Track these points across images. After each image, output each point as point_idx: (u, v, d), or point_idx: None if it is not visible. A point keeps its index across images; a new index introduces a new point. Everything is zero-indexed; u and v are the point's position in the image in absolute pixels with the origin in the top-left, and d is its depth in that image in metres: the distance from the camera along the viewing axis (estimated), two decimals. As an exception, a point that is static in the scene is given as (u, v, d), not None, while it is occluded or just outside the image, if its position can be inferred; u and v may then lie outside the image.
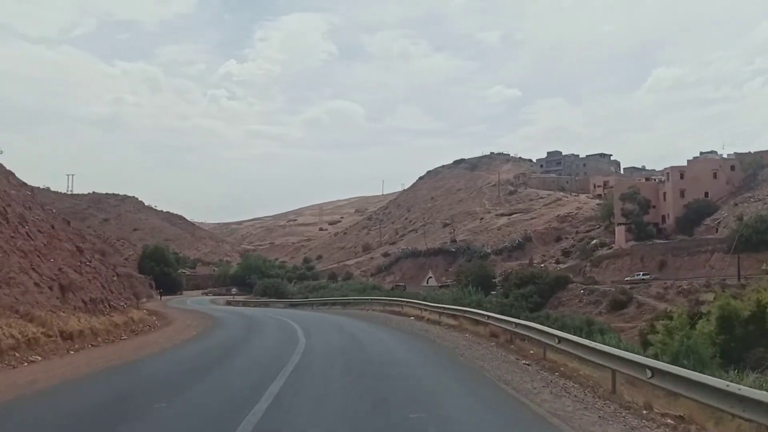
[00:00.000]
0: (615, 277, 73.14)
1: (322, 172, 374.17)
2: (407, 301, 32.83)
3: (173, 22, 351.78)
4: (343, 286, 66.85)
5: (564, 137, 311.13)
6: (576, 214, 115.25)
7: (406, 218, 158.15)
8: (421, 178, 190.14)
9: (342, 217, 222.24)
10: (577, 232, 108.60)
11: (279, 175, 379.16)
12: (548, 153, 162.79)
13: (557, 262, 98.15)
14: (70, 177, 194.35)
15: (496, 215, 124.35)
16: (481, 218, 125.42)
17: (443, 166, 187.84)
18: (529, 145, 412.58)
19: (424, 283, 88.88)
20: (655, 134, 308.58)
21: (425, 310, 28.19)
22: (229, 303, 55.82)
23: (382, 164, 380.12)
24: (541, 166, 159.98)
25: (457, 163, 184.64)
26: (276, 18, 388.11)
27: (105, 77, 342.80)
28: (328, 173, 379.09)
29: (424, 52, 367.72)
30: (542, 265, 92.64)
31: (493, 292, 71.32)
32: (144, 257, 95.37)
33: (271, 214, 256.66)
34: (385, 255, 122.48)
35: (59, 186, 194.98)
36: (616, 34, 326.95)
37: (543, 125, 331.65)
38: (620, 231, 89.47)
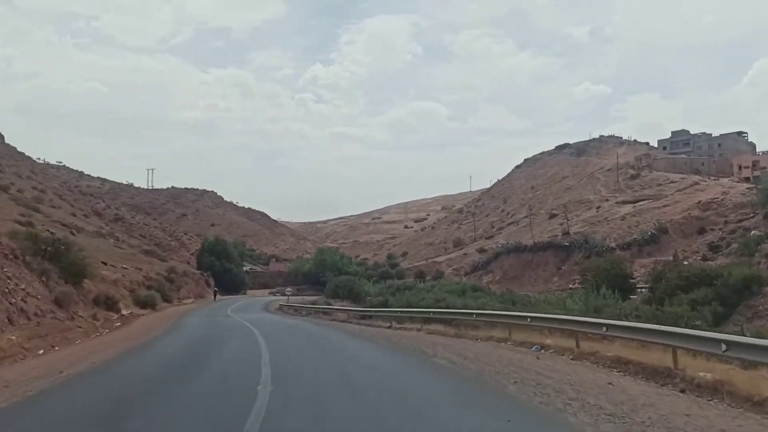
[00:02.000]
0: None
1: (407, 172, 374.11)
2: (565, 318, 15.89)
3: (263, 28, 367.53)
4: (434, 287, 50.02)
5: (657, 134, 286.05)
6: (722, 200, 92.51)
7: (503, 210, 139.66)
8: (518, 166, 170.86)
9: (428, 215, 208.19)
10: (726, 222, 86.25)
11: (364, 176, 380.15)
12: (673, 133, 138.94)
13: (704, 258, 76.77)
14: (150, 171, 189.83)
15: (617, 203, 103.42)
16: (598, 207, 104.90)
17: (543, 153, 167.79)
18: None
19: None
20: (756, 129, 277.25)
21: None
22: (280, 308, 40.75)
23: (467, 164, 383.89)
24: (664, 148, 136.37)
25: (559, 148, 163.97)
26: (360, 21, 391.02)
27: (200, 84, 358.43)
28: (412, 173, 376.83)
29: (508, 50, 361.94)
30: (685, 262, 72.23)
31: (633, 296, 54.38)
32: (203, 251, 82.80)
33: (356, 213, 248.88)
34: (481, 251, 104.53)
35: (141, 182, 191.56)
36: (715, 26, 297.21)
37: (634, 122, 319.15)
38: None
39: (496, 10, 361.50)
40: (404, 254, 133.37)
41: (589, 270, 67.20)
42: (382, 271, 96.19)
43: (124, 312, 31.76)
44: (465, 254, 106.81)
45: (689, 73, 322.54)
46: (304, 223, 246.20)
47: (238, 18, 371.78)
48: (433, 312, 21.63)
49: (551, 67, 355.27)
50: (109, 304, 30.48)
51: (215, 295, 63.62)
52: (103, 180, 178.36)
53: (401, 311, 23.46)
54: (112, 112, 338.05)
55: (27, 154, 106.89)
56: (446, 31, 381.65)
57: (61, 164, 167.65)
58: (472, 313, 18.42)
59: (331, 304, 51.22)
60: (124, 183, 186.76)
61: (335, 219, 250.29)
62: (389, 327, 20.59)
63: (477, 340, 15.35)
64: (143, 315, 33.30)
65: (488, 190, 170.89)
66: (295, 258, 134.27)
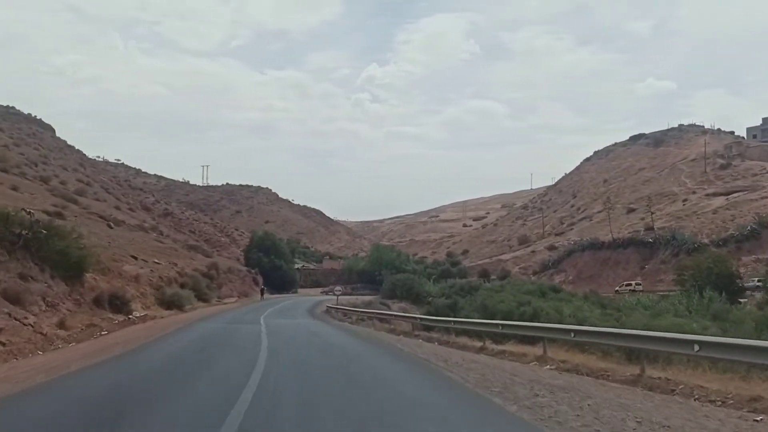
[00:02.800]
0: None
1: (464, 170, 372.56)
2: None
3: (319, 29, 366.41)
4: (505, 287, 42.37)
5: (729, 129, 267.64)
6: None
7: (572, 205, 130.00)
8: (587, 159, 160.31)
9: (487, 213, 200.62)
10: (839, 215, 74.93)
11: (420, 175, 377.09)
12: (764, 119, 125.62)
13: (817, 257, 66.05)
14: (205, 168, 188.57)
15: (706, 195, 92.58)
16: (684, 200, 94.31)
17: (615, 144, 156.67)
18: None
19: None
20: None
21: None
22: (327, 311, 34.11)
23: (525, 162, 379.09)
24: (754, 136, 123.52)
25: (634, 139, 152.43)
26: (417, 20, 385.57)
27: (258, 85, 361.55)
28: (469, 172, 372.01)
29: (568, 47, 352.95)
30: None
31: (742, 299, 46.21)
32: (251, 247, 77.60)
33: (412, 212, 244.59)
34: (551, 248, 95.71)
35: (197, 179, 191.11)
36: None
37: (700, 118, 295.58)
38: None
39: (556, 7, 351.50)
40: (465, 252, 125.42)
41: (685, 269, 58.26)
42: (442, 269, 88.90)
43: (137, 314, 25.98)
44: (533, 252, 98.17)
45: (760, 66, 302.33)
46: (360, 222, 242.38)
47: (296, 20, 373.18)
48: (570, 330, 12.09)
49: (612, 63, 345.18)
50: (117, 304, 24.74)
51: (262, 294, 58.03)
52: (159, 177, 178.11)
53: (493, 323, 13.89)
54: (172, 114, 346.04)
55: (77, 147, 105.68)
56: (504, 28, 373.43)
57: (119, 162, 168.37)
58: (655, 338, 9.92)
59: (387, 305, 44.54)
60: (180, 180, 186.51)
61: (391, 218, 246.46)
62: (481, 348, 13.05)
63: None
64: (161, 318, 27.46)
65: (555, 184, 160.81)
66: (351, 256, 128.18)
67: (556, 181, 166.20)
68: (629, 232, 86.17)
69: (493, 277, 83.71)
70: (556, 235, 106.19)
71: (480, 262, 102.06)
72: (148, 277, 34.29)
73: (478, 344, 13.47)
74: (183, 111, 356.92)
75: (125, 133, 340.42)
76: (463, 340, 14.70)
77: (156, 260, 42.39)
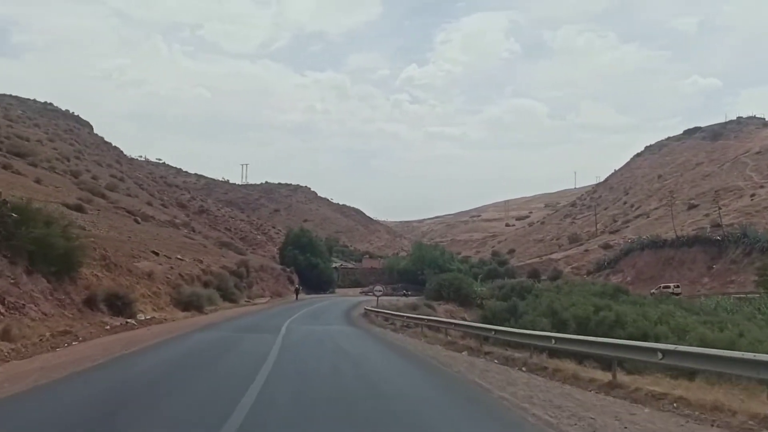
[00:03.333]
0: None
1: (505, 170, 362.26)
2: None
3: (358, 31, 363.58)
4: (573, 290, 37.15)
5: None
6: None
7: (625, 202, 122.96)
8: (638, 154, 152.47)
9: (530, 212, 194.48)
10: None
11: (460, 175, 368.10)
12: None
13: None
14: (244, 167, 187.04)
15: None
16: (752, 195, 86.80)
17: (669, 138, 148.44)
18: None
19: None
20: None
21: None
22: (366, 315, 29.68)
23: (567, 161, 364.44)
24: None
25: (688, 133, 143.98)
26: (456, 20, 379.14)
27: (298, 87, 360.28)
28: (510, 171, 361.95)
29: (610, 44, 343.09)
30: None
31: None
32: (286, 244, 73.91)
33: (452, 212, 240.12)
34: (606, 247, 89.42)
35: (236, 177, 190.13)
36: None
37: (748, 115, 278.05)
38: None
39: (598, 4, 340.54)
40: (511, 252, 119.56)
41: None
42: (488, 269, 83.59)
43: (141, 316, 22.15)
44: (586, 251, 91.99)
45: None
46: (400, 222, 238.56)
47: (335, 21, 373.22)
48: None
49: (656, 61, 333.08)
50: (118, 305, 20.93)
51: (297, 294, 54.17)
52: (199, 176, 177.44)
53: (649, 348, 8.26)
54: (214, 116, 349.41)
55: (114, 144, 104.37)
56: (545, 26, 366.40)
57: (160, 161, 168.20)
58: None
59: (433, 307, 39.95)
60: (220, 179, 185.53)
61: (431, 218, 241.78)
62: (610, 385, 8.24)
63: None
64: (172, 320, 23.60)
65: (605, 181, 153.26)
66: (391, 255, 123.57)
67: (604, 178, 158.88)
68: (693, 230, 79.44)
69: (543, 277, 78.21)
70: (611, 233, 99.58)
71: (529, 262, 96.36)
72: (165, 274, 30.60)
73: (600, 375, 8.63)
74: (224, 113, 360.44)
75: (168, 135, 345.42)
76: (568, 365, 9.92)
77: (179, 256, 38.92)
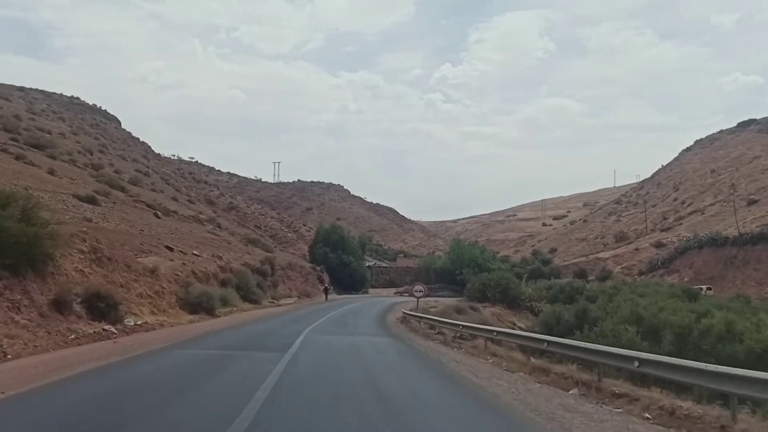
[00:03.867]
0: None
1: (541, 169, 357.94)
2: None
3: (392, 31, 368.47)
4: (645, 292, 31.97)
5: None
6: None
7: (675, 198, 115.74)
8: (687, 149, 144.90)
9: (568, 211, 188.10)
10: None
11: (495, 174, 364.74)
12: None
13: None
14: (276, 165, 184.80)
15: None
16: (821, 189, 79.47)
17: (721, 132, 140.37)
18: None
19: None
20: None
21: None
22: (404, 320, 25.27)
23: (606, 160, 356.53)
24: None
25: (743, 125, 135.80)
26: (490, 19, 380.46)
27: (332, 87, 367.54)
28: (547, 170, 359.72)
29: (649, 42, 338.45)
30: None
31: None
32: (316, 241, 69.97)
33: (487, 212, 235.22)
34: (658, 245, 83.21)
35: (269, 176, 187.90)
36: None
37: None
38: None
39: (635, 1, 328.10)
40: (553, 251, 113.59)
41: None
42: (531, 268, 78.29)
43: (130, 322, 18.17)
44: (636, 250, 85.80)
45: None
46: (434, 221, 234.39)
47: (369, 22, 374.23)
48: None
49: (696, 58, 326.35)
50: (101, 307, 17.01)
51: (326, 294, 50.13)
52: (232, 174, 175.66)
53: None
54: (248, 116, 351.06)
55: (142, 139, 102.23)
56: (580, 24, 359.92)
57: (193, 160, 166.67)
58: None
59: (478, 310, 35.28)
60: (252, 178, 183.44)
61: (466, 218, 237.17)
62: None
63: None
64: (170, 327, 19.65)
65: (652, 177, 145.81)
66: (425, 255, 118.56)
67: (650, 174, 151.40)
68: (757, 227, 72.77)
69: (591, 277, 72.69)
70: (662, 231, 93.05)
71: (574, 261, 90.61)
72: (173, 271, 26.69)
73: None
74: (259, 113, 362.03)
75: (203, 135, 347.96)
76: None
77: (196, 252, 35.17)
